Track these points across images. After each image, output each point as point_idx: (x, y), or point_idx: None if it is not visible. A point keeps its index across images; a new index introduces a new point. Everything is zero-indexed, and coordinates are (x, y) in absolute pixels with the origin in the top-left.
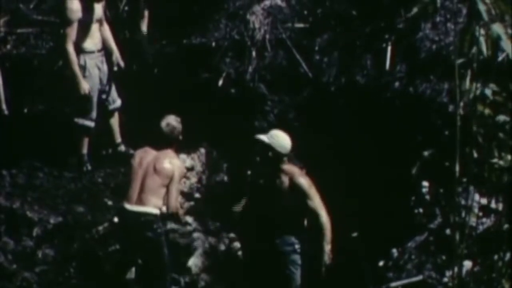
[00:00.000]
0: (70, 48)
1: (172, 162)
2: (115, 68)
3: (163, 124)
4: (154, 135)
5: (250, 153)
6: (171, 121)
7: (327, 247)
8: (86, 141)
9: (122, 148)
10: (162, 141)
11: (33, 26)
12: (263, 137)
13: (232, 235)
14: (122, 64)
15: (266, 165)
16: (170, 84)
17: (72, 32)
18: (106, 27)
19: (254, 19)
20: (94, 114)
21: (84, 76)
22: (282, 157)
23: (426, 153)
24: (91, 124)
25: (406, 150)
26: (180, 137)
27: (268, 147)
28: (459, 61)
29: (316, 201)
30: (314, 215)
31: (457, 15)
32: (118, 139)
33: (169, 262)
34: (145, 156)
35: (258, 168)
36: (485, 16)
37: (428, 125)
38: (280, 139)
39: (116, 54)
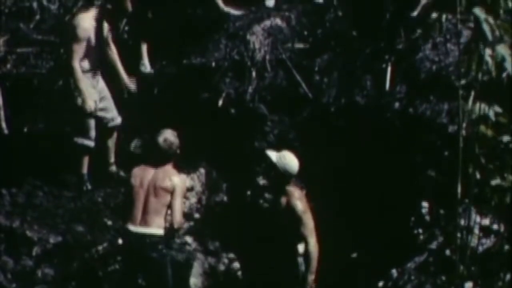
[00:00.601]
0: (77, 65)
1: (172, 179)
2: (125, 95)
3: (160, 139)
4: (152, 151)
5: (249, 173)
6: (168, 135)
7: (310, 277)
8: (85, 160)
9: (113, 168)
10: (160, 157)
11: (33, 45)
12: (272, 155)
13: (231, 255)
14: (132, 88)
15: (271, 182)
16: (170, 104)
17: (80, 50)
18: (113, 49)
19: (254, 39)
20: (93, 133)
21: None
22: (287, 179)
23: (425, 174)
24: (90, 143)
25: (406, 171)
26: (178, 152)
27: (274, 166)
28: (462, 81)
29: (308, 228)
30: (304, 241)
31: (458, 35)
32: (112, 158)
33: (172, 282)
34: (144, 175)
35: (259, 187)
36: (489, 36)
37: (428, 145)
38: (288, 161)
39: (125, 79)
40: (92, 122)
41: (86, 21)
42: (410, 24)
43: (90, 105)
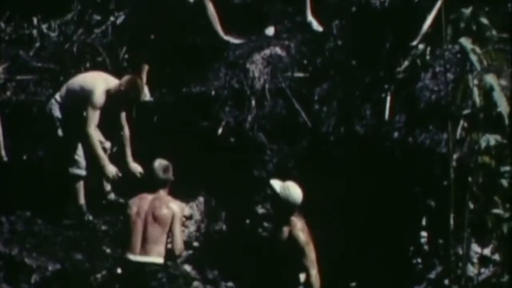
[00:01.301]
0: (93, 133)
1: (170, 207)
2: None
3: (155, 166)
4: (147, 178)
5: (249, 202)
6: (162, 162)
7: None
8: (81, 190)
9: (112, 196)
10: (155, 184)
11: (33, 73)
12: (276, 185)
13: (230, 284)
14: (138, 170)
15: (274, 212)
16: (169, 132)
17: (96, 117)
18: (126, 130)
19: (253, 68)
20: (83, 162)
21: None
22: (290, 209)
23: (424, 203)
24: (82, 172)
25: (405, 200)
26: (172, 178)
27: (277, 197)
28: (455, 111)
29: (310, 259)
30: (305, 272)
31: (445, 66)
32: (108, 186)
33: None
34: (141, 204)
35: (259, 216)
36: (477, 66)
37: (427, 175)
38: (291, 192)
39: (130, 162)
40: (81, 152)
41: (102, 88)
42: (409, 54)
43: (111, 171)
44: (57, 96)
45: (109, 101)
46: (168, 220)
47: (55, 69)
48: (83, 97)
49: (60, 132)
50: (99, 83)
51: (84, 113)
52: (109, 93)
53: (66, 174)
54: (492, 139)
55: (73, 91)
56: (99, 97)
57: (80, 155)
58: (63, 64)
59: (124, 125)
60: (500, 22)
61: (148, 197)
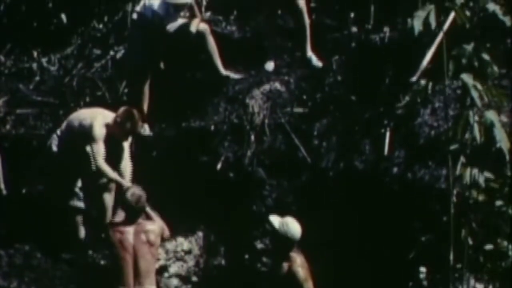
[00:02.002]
0: (104, 165)
1: (156, 234)
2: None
3: (128, 194)
4: (122, 207)
5: (248, 237)
6: (136, 190)
7: None
8: (81, 223)
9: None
10: (130, 212)
11: (32, 106)
12: (275, 221)
13: None
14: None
15: (273, 248)
16: (168, 167)
17: (101, 150)
18: (128, 166)
19: (253, 103)
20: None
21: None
22: (289, 245)
23: (423, 239)
24: (82, 205)
25: (404, 236)
26: (146, 206)
27: (276, 233)
28: (453, 147)
29: None
30: None
31: (456, 101)
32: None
33: None
34: (124, 238)
35: (257, 251)
36: (478, 102)
37: (426, 211)
38: (290, 228)
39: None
40: (78, 184)
41: (100, 122)
42: (408, 90)
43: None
44: (58, 131)
45: (108, 135)
46: (158, 245)
47: (54, 103)
48: (82, 132)
49: (59, 166)
50: (97, 117)
51: (88, 149)
52: (107, 127)
53: (66, 207)
54: (480, 175)
55: (72, 127)
56: (98, 131)
57: (79, 188)
58: (62, 98)
59: (128, 163)
60: (501, 58)
61: (129, 229)
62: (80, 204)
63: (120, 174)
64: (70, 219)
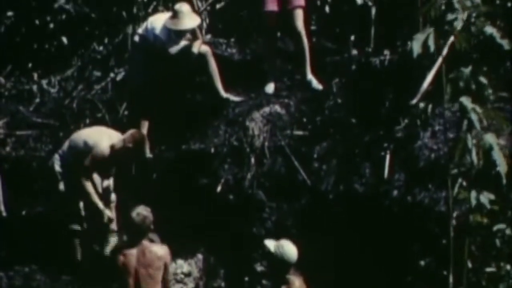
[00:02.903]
0: (86, 182)
1: (159, 257)
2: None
3: (133, 214)
4: (126, 228)
5: (247, 259)
6: (141, 210)
7: None
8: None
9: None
10: (135, 233)
11: (32, 128)
12: (270, 245)
13: None
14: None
15: (270, 271)
16: (168, 189)
17: (93, 168)
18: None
19: (253, 125)
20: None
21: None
22: (285, 268)
23: (423, 262)
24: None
25: (404, 258)
26: (152, 227)
27: (273, 256)
28: (452, 171)
29: None
30: None
31: (456, 124)
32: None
33: None
34: (127, 261)
35: (257, 273)
36: (477, 125)
37: (425, 233)
38: (286, 250)
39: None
40: (80, 207)
41: (106, 143)
42: (408, 113)
43: (109, 216)
44: (60, 151)
45: (113, 156)
46: (161, 271)
47: (54, 125)
48: (87, 151)
49: (61, 187)
50: (103, 137)
51: (85, 163)
52: (113, 148)
53: (67, 228)
54: (484, 198)
55: (76, 146)
56: (103, 151)
57: (81, 210)
58: (63, 120)
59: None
60: (499, 81)
61: (132, 252)
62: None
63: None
64: (70, 241)
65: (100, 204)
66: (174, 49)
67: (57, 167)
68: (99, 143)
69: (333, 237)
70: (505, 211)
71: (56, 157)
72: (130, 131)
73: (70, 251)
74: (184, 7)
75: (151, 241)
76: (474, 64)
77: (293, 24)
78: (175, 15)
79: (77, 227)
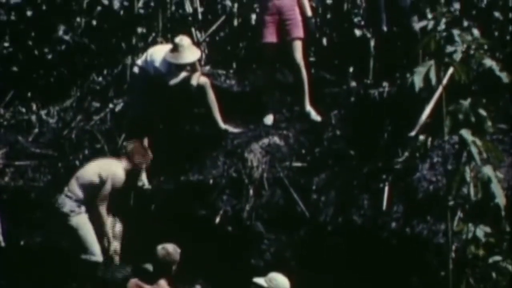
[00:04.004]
0: (103, 212)
1: None
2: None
3: (159, 247)
4: (152, 262)
5: None
6: (168, 246)
7: None
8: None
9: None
10: (156, 268)
11: (31, 159)
12: (261, 281)
13: None
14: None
15: None
16: (167, 221)
17: (110, 197)
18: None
19: (252, 157)
20: (96, 248)
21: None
22: None
23: None
24: (97, 258)
25: None
26: (175, 267)
27: None
28: (451, 203)
29: None
30: None
31: (455, 156)
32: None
33: None
34: None
35: None
36: (477, 158)
37: (424, 265)
38: (279, 283)
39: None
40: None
41: (121, 170)
42: (407, 145)
43: (115, 247)
44: (67, 193)
45: (127, 178)
46: None
47: (53, 155)
48: (103, 182)
49: (73, 222)
50: (115, 165)
51: (103, 193)
52: (126, 171)
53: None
54: (480, 230)
55: (90, 182)
56: (121, 177)
57: (94, 242)
58: (61, 151)
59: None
60: (499, 113)
61: (146, 284)
62: (92, 257)
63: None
64: (79, 273)
65: (110, 236)
66: (173, 81)
67: (68, 208)
68: (115, 171)
69: (332, 269)
70: (501, 243)
71: (63, 198)
72: (128, 147)
73: (69, 281)
74: (184, 41)
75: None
76: (473, 96)
77: (292, 56)
78: (176, 48)
79: (95, 258)
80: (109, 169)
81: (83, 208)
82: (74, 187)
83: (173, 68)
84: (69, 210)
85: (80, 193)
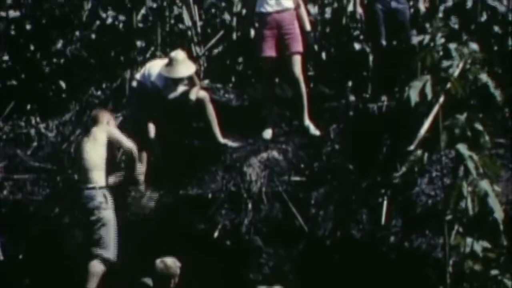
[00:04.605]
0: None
1: None
2: None
3: (158, 261)
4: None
5: None
6: (167, 260)
7: None
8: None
9: None
10: (155, 282)
11: (30, 172)
12: None
13: None
14: None
15: None
16: (165, 235)
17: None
18: None
19: (250, 171)
20: (112, 247)
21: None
22: None
23: None
24: (109, 256)
25: None
26: (174, 281)
27: None
28: (448, 217)
29: None
30: None
31: (442, 172)
32: None
33: None
34: None
35: None
36: (474, 172)
37: (422, 280)
38: None
39: None
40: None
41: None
42: (405, 160)
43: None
44: (91, 184)
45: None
46: None
47: (52, 169)
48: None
49: (101, 218)
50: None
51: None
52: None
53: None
54: (478, 245)
55: (97, 157)
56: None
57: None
58: (60, 164)
59: None
60: (497, 128)
61: None
62: (104, 254)
63: None
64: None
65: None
66: (171, 96)
67: (98, 202)
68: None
69: (331, 283)
70: (499, 257)
71: (91, 192)
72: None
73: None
74: (179, 55)
75: None
76: (470, 110)
77: (291, 70)
78: (170, 62)
79: (107, 255)
80: (97, 134)
81: (110, 204)
82: (92, 174)
83: (169, 82)
84: (98, 203)
85: (101, 175)
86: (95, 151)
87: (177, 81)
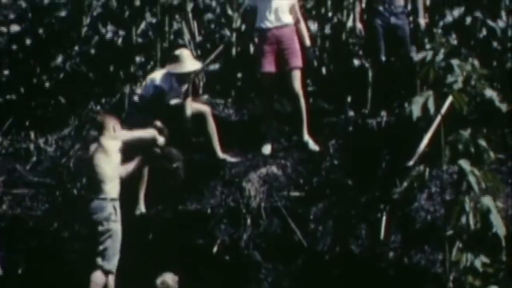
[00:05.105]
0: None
1: None
2: None
3: (158, 281)
4: None
5: None
6: (167, 279)
7: None
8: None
9: None
10: None
11: (29, 187)
12: None
13: None
14: None
15: None
16: (164, 250)
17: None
18: None
19: (250, 186)
20: (115, 259)
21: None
22: None
23: None
24: (111, 268)
25: None
26: None
27: None
28: (449, 232)
29: None
30: None
31: (453, 186)
32: None
33: None
34: None
35: None
36: (476, 188)
37: None
38: None
39: None
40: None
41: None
42: (404, 175)
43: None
44: (101, 195)
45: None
46: None
47: (51, 183)
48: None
49: (108, 230)
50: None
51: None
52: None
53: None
54: (478, 261)
55: (108, 169)
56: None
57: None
58: (59, 179)
59: None
60: (500, 144)
61: None
62: (106, 265)
63: None
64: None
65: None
66: (173, 102)
67: (107, 213)
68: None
69: None
70: (498, 273)
71: (101, 203)
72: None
73: None
74: (184, 52)
75: None
76: (473, 126)
77: (291, 85)
78: (177, 59)
79: (108, 266)
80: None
81: (118, 216)
82: (104, 186)
83: (175, 82)
84: (108, 214)
85: (112, 186)
86: (108, 163)
87: (183, 79)
